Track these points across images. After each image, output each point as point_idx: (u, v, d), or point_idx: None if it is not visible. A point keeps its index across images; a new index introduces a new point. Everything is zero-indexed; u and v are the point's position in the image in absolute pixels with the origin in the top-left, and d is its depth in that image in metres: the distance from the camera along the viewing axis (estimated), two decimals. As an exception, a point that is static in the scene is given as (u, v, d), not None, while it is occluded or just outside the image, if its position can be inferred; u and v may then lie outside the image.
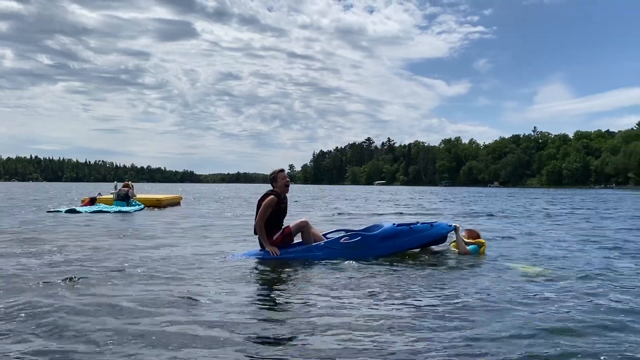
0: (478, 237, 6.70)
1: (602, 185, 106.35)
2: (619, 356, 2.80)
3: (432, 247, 6.70)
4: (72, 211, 13.81)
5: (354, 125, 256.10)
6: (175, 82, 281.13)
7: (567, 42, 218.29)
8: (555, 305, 3.82)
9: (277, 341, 3.01)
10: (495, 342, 2.97)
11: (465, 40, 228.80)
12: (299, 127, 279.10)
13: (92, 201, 16.10)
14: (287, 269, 5.25)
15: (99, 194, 17.04)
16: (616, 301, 3.98)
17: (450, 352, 2.84)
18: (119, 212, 14.09)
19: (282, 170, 5.99)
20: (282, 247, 5.79)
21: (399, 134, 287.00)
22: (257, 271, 5.20)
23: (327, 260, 5.64)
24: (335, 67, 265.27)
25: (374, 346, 2.93)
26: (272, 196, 5.78)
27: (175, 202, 19.63)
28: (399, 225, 6.49)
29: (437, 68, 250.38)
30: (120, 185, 16.41)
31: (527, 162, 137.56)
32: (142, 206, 15.83)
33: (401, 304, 3.89)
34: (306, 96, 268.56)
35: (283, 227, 5.90)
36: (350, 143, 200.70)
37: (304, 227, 5.93)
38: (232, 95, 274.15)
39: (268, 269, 5.27)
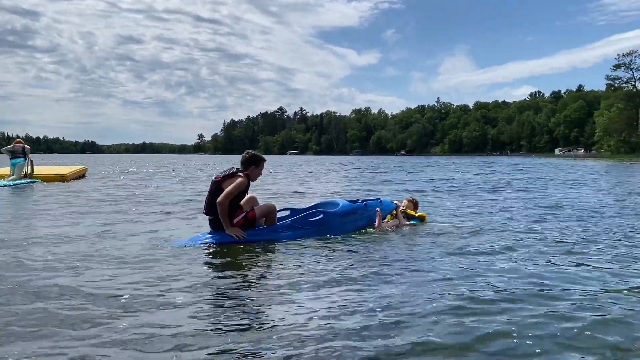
0: (417, 207, 7.14)
1: (498, 153, 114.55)
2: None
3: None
4: None
5: (265, 94, 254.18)
6: (70, 46, 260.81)
7: (471, 14, 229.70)
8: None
9: (254, 330, 2.77)
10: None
11: (375, 10, 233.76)
12: (207, 95, 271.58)
13: None
14: (252, 252, 4.93)
15: None
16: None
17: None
18: (4, 186, 12.86)
19: (265, 161, 5.76)
20: (243, 230, 5.42)
21: (311, 103, 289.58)
22: (218, 257, 4.84)
23: (294, 241, 5.40)
24: (244, 33, 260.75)
25: (352, 332, 2.81)
26: (243, 179, 5.37)
27: (80, 175, 18.15)
28: (351, 201, 6.40)
29: (347, 37, 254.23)
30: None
31: (432, 132, 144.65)
32: (35, 181, 14.46)
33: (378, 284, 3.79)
34: (214, 62, 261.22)
35: (245, 210, 5.51)
36: (262, 112, 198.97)
37: (271, 212, 5.61)
38: (133, 60, 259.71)
39: (232, 253, 4.92)
